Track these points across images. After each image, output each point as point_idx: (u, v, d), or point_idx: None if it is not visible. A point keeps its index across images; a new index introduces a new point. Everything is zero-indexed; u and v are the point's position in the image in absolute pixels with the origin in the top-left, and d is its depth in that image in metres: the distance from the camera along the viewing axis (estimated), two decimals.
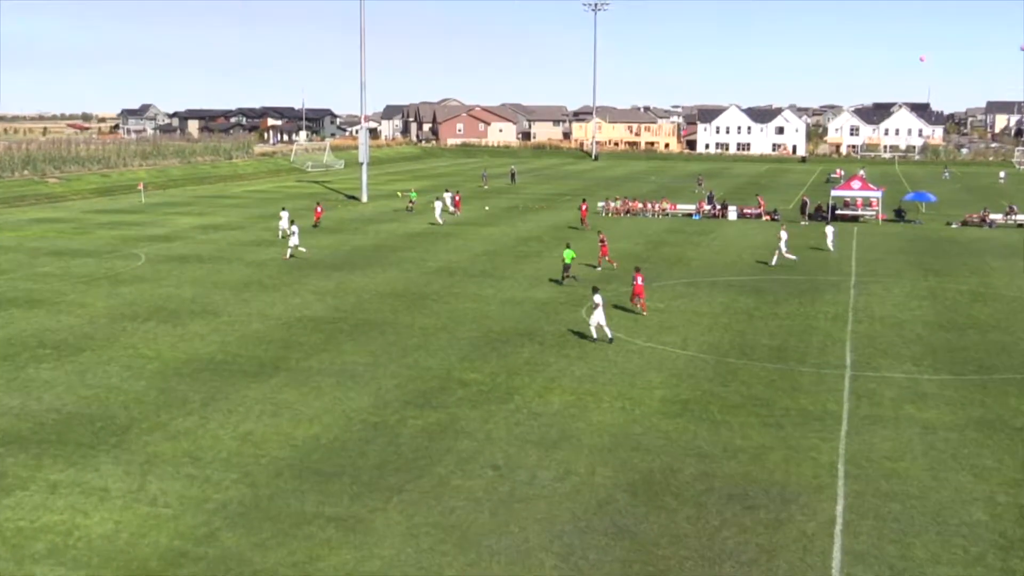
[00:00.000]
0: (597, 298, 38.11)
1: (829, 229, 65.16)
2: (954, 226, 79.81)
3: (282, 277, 53.30)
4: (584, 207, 79.93)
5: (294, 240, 60.06)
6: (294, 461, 25.67)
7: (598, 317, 37.97)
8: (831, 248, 63.00)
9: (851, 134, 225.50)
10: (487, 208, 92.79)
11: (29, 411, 29.78)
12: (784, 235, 59.02)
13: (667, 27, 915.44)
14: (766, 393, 31.83)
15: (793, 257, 58.33)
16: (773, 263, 57.49)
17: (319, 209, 77.79)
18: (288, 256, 59.47)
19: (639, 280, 43.16)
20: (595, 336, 38.24)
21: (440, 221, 78.35)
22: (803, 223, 79.99)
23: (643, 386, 32.61)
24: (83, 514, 22.32)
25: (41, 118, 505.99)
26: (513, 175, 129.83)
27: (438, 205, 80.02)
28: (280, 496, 23.40)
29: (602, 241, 57.01)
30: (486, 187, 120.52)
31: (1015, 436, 27.72)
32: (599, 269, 55.62)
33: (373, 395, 31.52)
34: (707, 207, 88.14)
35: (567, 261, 50.87)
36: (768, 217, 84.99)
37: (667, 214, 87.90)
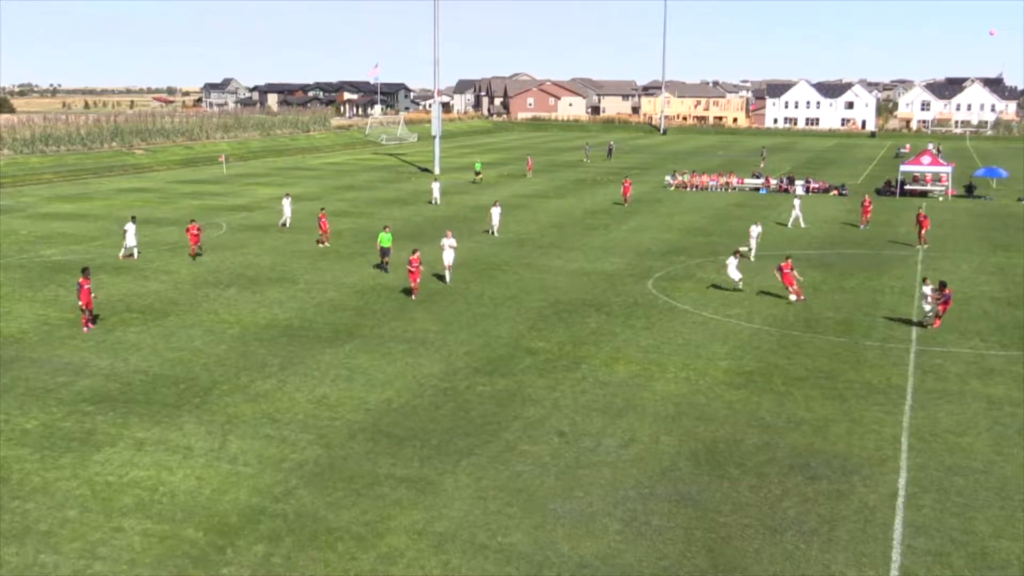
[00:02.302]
0: (927, 289, 35.98)
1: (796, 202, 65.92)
2: None
3: (356, 247, 53.81)
4: (627, 184, 76.36)
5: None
6: (367, 424, 26.03)
7: (928, 308, 35.97)
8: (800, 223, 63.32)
9: (922, 109, 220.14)
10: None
11: (117, 372, 30.56)
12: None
13: (737, 2, 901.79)
14: (830, 366, 31.47)
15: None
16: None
17: (194, 230, 50.69)
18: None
19: (787, 270, 40.87)
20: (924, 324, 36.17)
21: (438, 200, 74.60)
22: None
23: (708, 357, 32.44)
24: (168, 471, 22.91)
25: (128, 92, 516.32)
26: (610, 150, 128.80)
27: (435, 186, 76.04)
28: (353, 457, 23.76)
29: (920, 219, 55.46)
30: (587, 160, 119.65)
31: None
32: (924, 247, 54.36)
33: (443, 362, 31.78)
34: (766, 181, 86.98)
35: (384, 245, 46.58)
36: (836, 192, 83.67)
37: (732, 188, 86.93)
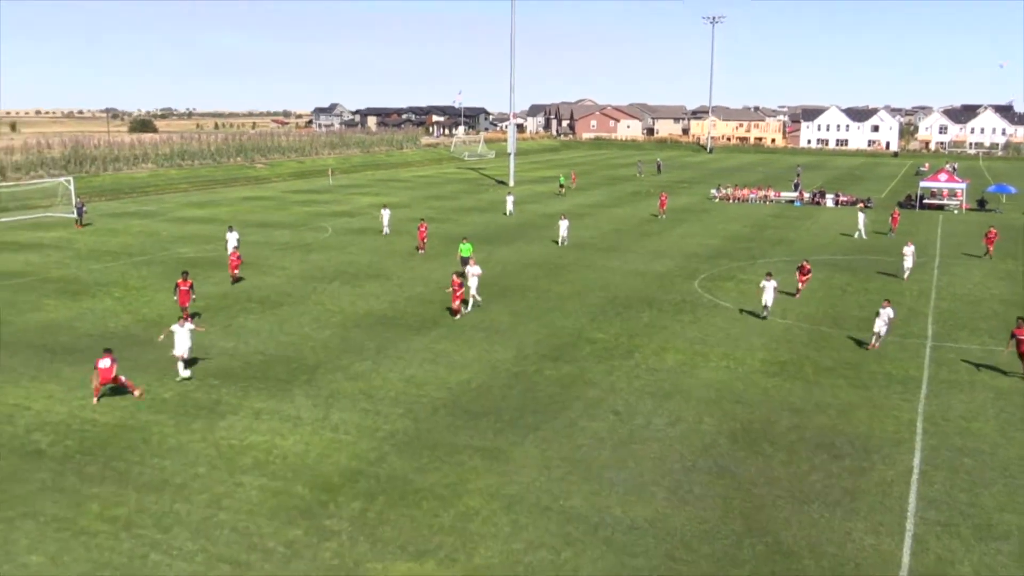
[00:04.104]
0: (887, 312, 31.87)
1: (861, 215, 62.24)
2: None
3: (441, 248, 54.07)
4: (664, 197, 74.13)
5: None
6: (448, 401, 26.24)
7: (879, 326, 31.88)
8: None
9: (940, 132, 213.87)
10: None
11: (239, 352, 31.21)
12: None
13: (776, 34, 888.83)
14: (855, 358, 30.91)
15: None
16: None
17: (234, 256, 44.11)
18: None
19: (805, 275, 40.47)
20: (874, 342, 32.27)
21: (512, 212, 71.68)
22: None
23: (746, 348, 32.08)
24: (280, 436, 23.36)
25: (251, 115, 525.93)
26: (659, 166, 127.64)
27: (510, 198, 73.45)
28: (437, 429, 23.98)
29: (991, 235, 52.89)
30: (641, 175, 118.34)
31: None
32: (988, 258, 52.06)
33: (515, 349, 31.87)
34: (805, 195, 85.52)
35: (465, 254, 44.03)
36: (862, 204, 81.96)
37: (770, 200, 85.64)
